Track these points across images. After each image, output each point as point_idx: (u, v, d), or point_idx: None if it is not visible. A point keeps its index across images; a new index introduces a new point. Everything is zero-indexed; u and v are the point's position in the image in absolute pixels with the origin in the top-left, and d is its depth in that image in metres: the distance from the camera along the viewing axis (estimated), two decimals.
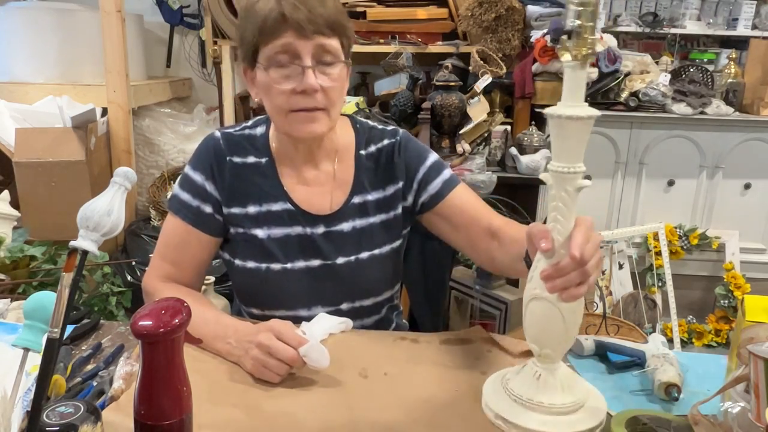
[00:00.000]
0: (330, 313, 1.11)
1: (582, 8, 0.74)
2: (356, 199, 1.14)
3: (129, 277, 2.27)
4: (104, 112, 2.47)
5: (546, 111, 0.78)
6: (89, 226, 0.67)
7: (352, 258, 1.12)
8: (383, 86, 2.81)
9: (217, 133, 1.14)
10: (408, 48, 2.71)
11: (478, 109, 2.56)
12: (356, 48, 2.85)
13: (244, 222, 1.11)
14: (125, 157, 2.52)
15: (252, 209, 1.11)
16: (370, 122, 1.22)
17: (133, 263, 2.29)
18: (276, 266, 1.11)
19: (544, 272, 0.76)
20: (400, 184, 1.16)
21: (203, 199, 1.11)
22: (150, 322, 0.64)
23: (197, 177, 1.11)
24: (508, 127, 2.79)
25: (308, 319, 1.05)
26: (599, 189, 2.88)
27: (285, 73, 1.01)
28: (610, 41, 2.73)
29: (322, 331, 1.03)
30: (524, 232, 0.83)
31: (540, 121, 2.77)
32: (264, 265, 1.11)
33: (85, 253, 0.67)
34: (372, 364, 0.97)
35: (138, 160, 2.76)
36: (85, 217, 0.67)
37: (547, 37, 2.63)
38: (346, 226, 1.13)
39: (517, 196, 2.68)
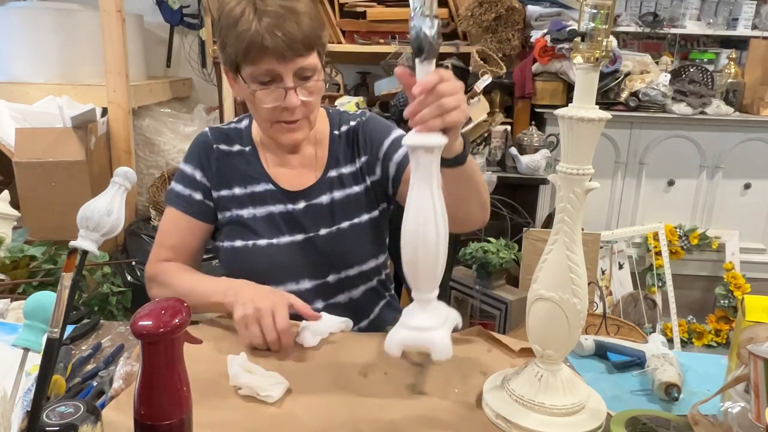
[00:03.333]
0: (317, 285, 1.17)
1: (596, 11, 0.74)
2: (332, 173, 1.21)
3: (129, 277, 2.27)
4: (104, 112, 2.47)
5: (557, 112, 0.78)
6: (89, 226, 0.67)
7: (334, 228, 1.18)
8: (383, 86, 2.81)
9: (206, 129, 1.26)
10: (408, 48, 2.71)
11: (478, 109, 2.56)
12: (356, 48, 2.85)
13: (231, 204, 1.20)
14: (125, 157, 2.52)
15: (238, 191, 1.20)
16: (340, 109, 1.32)
17: (133, 263, 2.29)
18: (262, 242, 1.17)
19: (407, 110, 0.81)
20: (364, 158, 1.22)
21: (194, 188, 1.20)
22: (150, 322, 0.64)
23: (187, 168, 1.22)
24: (508, 127, 2.80)
25: (297, 293, 1.11)
26: (599, 189, 2.88)
27: (268, 92, 1.09)
28: (610, 41, 2.74)
29: (322, 329, 1.03)
30: None
31: (540, 121, 2.77)
32: (251, 243, 1.17)
33: (85, 253, 0.67)
34: (372, 364, 0.97)
35: (138, 160, 2.76)
36: (85, 217, 0.67)
37: (547, 37, 2.63)
38: (324, 198, 1.19)
39: (517, 196, 2.69)
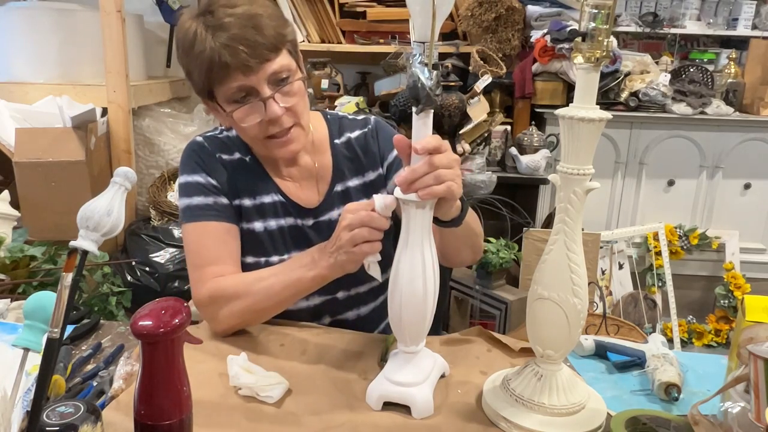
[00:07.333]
0: (326, 301, 1.13)
1: (597, 11, 0.74)
2: (338, 187, 1.16)
3: (129, 277, 2.27)
4: (104, 112, 2.46)
5: (557, 112, 0.78)
6: (89, 226, 0.67)
7: None
8: (383, 86, 2.81)
9: (198, 138, 1.16)
10: (408, 48, 2.71)
11: (478, 109, 2.56)
12: (356, 48, 2.85)
13: (242, 217, 1.13)
14: (125, 157, 2.52)
15: (247, 202, 1.13)
16: (339, 113, 1.25)
17: (133, 263, 2.29)
18: (274, 259, 1.12)
19: (400, 176, 0.79)
20: (380, 170, 1.18)
21: (216, 193, 1.11)
22: (150, 322, 0.64)
23: (199, 178, 1.11)
24: (508, 127, 2.80)
25: (305, 309, 1.09)
26: (599, 189, 2.88)
27: (247, 109, 1.02)
28: (611, 41, 2.74)
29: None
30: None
31: (540, 121, 2.77)
32: (263, 259, 1.12)
33: (85, 253, 0.67)
34: (372, 364, 0.97)
35: (138, 160, 2.75)
36: (85, 217, 0.67)
37: (547, 37, 2.63)
38: (333, 213, 1.15)
39: (517, 196, 2.69)
